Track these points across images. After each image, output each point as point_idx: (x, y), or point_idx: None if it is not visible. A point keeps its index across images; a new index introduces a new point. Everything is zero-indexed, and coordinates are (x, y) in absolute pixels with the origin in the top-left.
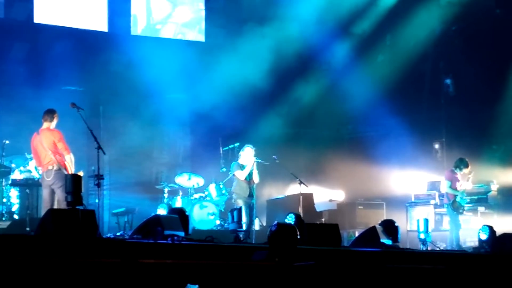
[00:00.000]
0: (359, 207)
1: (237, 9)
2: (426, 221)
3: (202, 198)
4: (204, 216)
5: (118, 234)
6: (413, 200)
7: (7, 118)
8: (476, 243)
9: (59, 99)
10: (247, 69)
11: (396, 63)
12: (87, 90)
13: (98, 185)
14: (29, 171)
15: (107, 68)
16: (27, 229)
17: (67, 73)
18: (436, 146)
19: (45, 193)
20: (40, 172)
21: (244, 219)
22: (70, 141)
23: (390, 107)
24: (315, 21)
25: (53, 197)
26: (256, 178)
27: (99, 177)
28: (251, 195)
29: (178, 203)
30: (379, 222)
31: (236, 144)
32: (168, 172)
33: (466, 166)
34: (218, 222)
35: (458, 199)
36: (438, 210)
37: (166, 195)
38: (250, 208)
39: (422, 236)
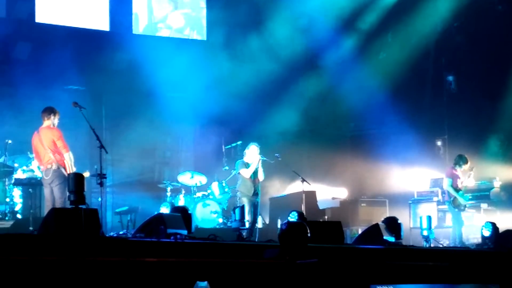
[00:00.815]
0: (362, 204)
1: (239, 6)
2: (429, 218)
3: (205, 197)
4: (207, 215)
5: (121, 233)
6: (416, 197)
7: (9, 118)
8: (479, 240)
9: (61, 98)
10: (248, 67)
11: (398, 60)
12: (89, 89)
13: (101, 184)
14: (32, 171)
15: (109, 67)
16: (30, 228)
17: (69, 72)
18: (439, 143)
19: (46, 192)
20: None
21: (247, 217)
22: (73, 140)
23: (392, 105)
24: (317, 19)
25: (53, 196)
26: (261, 176)
27: (101, 176)
28: (255, 194)
29: (181, 201)
30: (382, 219)
31: (239, 143)
32: (170, 171)
33: (466, 162)
34: (221, 220)
35: (459, 197)
36: (441, 207)
37: (168, 194)
38: (255, 207)
39: (425, 233)
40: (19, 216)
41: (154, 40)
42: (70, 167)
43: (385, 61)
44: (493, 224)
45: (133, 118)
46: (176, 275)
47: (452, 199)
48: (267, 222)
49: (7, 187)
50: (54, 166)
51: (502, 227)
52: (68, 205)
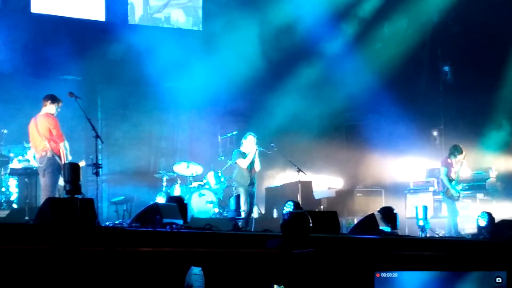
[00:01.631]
0: (358, 194)
1: None
2: (425, 208)
3: (201, 186)
4: (202, 204)
5: (116, 222)
6: (411, 187)
7: (5, 108)
8: (475, 230)
9: (57, 88)
10: (244, 57)
11: (394, 51)
12: (85, 79)
13: (97, 174)
14: (28, 160)
15: (105, 57)
16: (26, 218)
17: (64, 62)
18: (435, 133)
19: (41, 180)
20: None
21: (243, 207)
22: (68, 130)
23: (388, 95)
24: (313, 7)
25: None
26: (257, 167)
27: (97, 165)
28: (252, 183)
29: (177, 191)
30: (378, 209)
31: (235, 132)
32: (166, 161)
33: (461, 152)
34: (216, 210)
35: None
36: (436, 197)
37: (164, 184)
38: (251, 196)
39: (421, 223)
40: (14, 205)
41: (150, 30)
42: (65, 156)
43: (381, 51)
44: (489, 214)
45: (128, 108)
46: (172, 264)
47: (445, 189)
48: (263, 212)
49: (2, 177)
50: (49, 154)
51: (498, 217)
52: (57, 194)
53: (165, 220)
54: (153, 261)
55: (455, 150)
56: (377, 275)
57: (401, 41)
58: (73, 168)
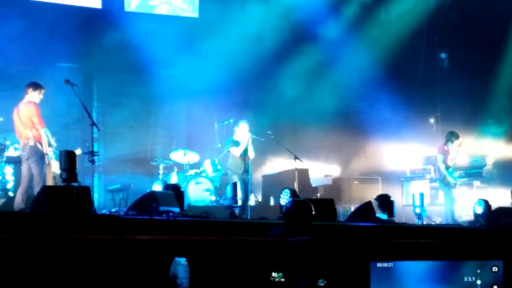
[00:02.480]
0: (355, 182)
1: None
2: (422, 195)
3: (198, 174)
4: (199, 192)
5: (113, 210)
6: (408, 174)
7: (0, 95)
8: (472, 217)
9: (53, 75)
10: (241, 44)
11: (391, 38)
12: (81, 67)
13: (93, 162)
14: None
15: (101, 44)
16: (22, 206)
17: (61, 50)
18: (432, 120)
19: (23, 168)
20: None
21: (239, 194)
22: (64, 117)
23: (385, 82)
24: None
25: (31, 172)
26: (251, 154)
27: (93, 153)
28: (246, 171)
29: (173, 179)
30: (375, 197)
31: (231, 120)
32: (163, 148)
33: (457, 137)
34: (213, 198)
35: (448, 175)
36: (433, 184)
37: (161, 172)
38: (246, 184)
39: (418, 210)
40: (10, 194)
41: (146, 17)
42: (45, 144)
43: (378, 38)
44: (486, 202)
45: (125, 95)
46: (168, 252)
47: (442, 176)
48: (260, 199)
49: None
50: (31, 142)
51: (494, 204)
52: (45, 182)
53: (162, 208)
54: (149, 249)
55: (452, 136)
56: (373, 264)
57: (398, 28)
58: (69, 156)
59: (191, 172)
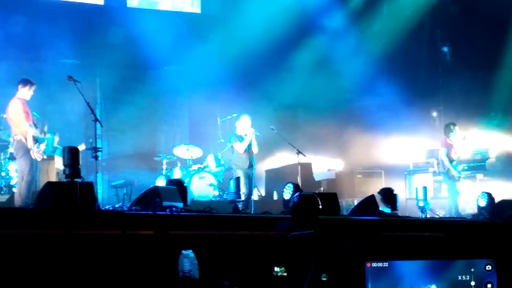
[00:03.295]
0: (358, 176)
1: None
2: (425, 189)
3: (201, 169)
4: (202, 187)
5: (116, 206)
6: (411, 168)
7: (3, 92)
8: (475, 210)
9: (56, 72)
10: (243, 39)
11: (393, 32)
12: (84, 63)
13: (96, 158)
14: None
15: (103, 41)
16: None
17: (63, 46)
18: (434, 114)
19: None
20: None
21: (242, 189)
22: (67, 114)
23: (388, 76)
24: None
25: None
26: (255, 149)
27: (96, 149)
28: (250, 166)
29: (177, 174)
30: (378, 190)
31: (234, 115)
32: (166, 144)
33: (455, 126)
34: (216, 193)
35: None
36: (436, 177)
37: (164, 167)
38: (250, 179)
39: (421, 203)
40: (14, 190)
41: (148, 13)
42: (30, 140)
43: (380, 32)
44: (489, 194)
45: (128, 91)
46: (172, 247)
47: (446, 169)
48: (263, 194)
49: (2, 161)
50: (18, 137)
51: (497, 197)
52: (33, 178)
53: (165, 203)
54: (153, 244)
55: (448, 128)
56: (368, 264)
57: (400, 22)
58: (73, 152)
59: (194, 167)
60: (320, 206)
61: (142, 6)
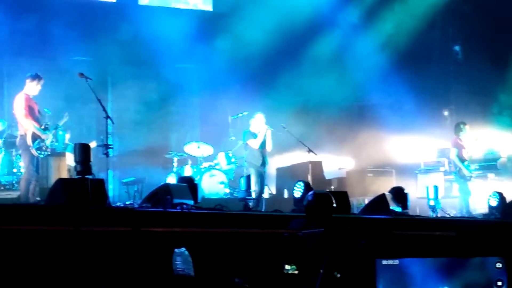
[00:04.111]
0: (369, 174)
1: None
2: (436, 188)
3: (212, 167)
4: (213, 185)
5: (127, 203)
6: (422, 167)
7: (16, 89)
8: (486, 210)
9: (68, 69)
10: (255, 37)
11: (405, 31)
12: (96, 60)
13: (107, 155)
14: None
15: (115, 38)
16: (37, 198)
17: (75, 43)
18: (445, 113)
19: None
20: None
21: (253, 187)
22: (79, 110)
23: (399, 75)
24: None
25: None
26: (269, 147)
27: (107, 146)
28: (263, 164)
29: (187, 172)
30: (389, 189)
31: (245, 113)
32: (177, 141)
33: (465, 125)
34: (227, 190)
35: (463, 168)
36: (447, 177)
37: (175, 164)
38: (262, 177)
39: (432, 203)
40: None
41: (159, 11)
42: (29, 136)
43: (392, 31)
44: (500, 194)
45: (139, 89)
46: (182, 244)
47: (458, 169)
48: (274, 192)
49: (14, 158)
50: (20, 133)
51: (509, 197)
52: (31, 176)
53: (176, 201)
54: (163, 241)
55: (458, 127)
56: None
57: (412, 21)
58: (84, 149)
59: (205, 164)
60: (335, 205)
61: (153, 4)
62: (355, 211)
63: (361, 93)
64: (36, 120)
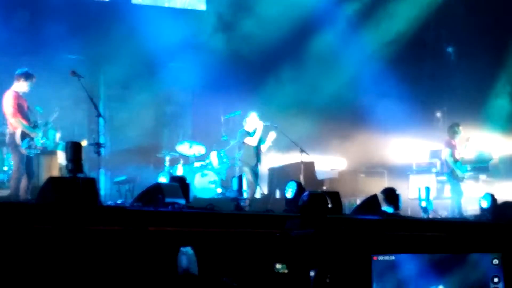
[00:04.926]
0: (361, 175)
1: None
2: (428, 189)
3: (204, 167)
4: (205, 184)
5: (119, 202)
6: (414, 168)
7: (7, 87)
8: (478, 211)
9: (60, 67)
10: (248, 36)
11: (398, 31)
12: (88, 59)
13: (99, 153)
14: None
15: (108, 36)
16: (28, 197)
17: (68, 41)
18: (438, 114)
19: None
20: None
21: (251, 186)
22: (71, 109)
23: (392, 76)
24: None
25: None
26: (265, 147)
27: (99, 145)
28: (257, 163)
29: (179, 171)
30: (381, 190)
31: (238, 112)
32: (169, 141)
33: (459, 127)
34: (219, 190)
35: (456, 169)
36: (439, 178)
37: (167, 164)
38: (256, 176)
39: (424, 204)
40: None
41: (153, 9)
42: (18, 135)
43: (385, 32)
44: (492, 196)
45: (132, 88)
46: (173, 243)
47: (451, 170)
48: (266, 192)
49: (4, 156)
50: (10, 130)
51: (500, 198)
52: (20, 175)
53: (167, 200)
54: (154, 240)
55: (454, 128)
56: (375, 258)
57: (405, 22)
58: (75, 147)
59: (197, 164)
60: (330, 205)
61: (146, 3)
62: (347, 211)
63: (353, 94)
64: (26, 117)
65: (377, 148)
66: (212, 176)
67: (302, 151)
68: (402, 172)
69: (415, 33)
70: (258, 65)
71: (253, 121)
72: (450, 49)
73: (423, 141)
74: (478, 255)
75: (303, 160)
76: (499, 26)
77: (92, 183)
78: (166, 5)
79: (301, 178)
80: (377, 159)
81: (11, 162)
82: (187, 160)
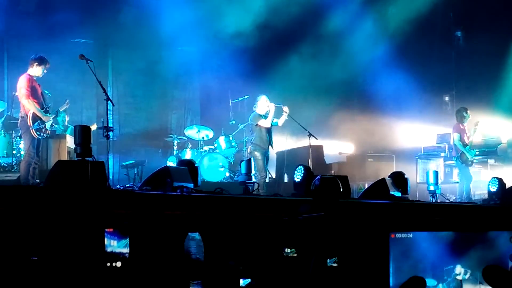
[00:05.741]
0: (369, 159)
1: None
2: (436, 173)
3: (212, 150)
4: (213, 168)
5: (127, 185)
6: (422, 152)
7: (16, 71)
8: (486, 195)
9: (69, 51)
10: (256, 20)
11: (407, 16)
12: (96, 43)
13: (107, 137)
14: None
15: (116, 20)
16: (37, 180)
17: (76, 25)
18: (446, 98)
19: None
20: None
21: (262, 170)
22: (79, 93)
23: (401, 60)
24: None
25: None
26: (281, 121)
27: (108, 128)
28: (269, 146)
29: (188, 155)
30: (389, 174)
31: (246, 97)
32: (177, 125)
33: (466, 111)
34: (227, 174)
35: (465, 152)
36: (448, 162)
37: (175, 148)
38: (266, 160)
39: (432, 188)
40: None
41: None
42: (30, 117)
43: (393, 16)
44: (500, 180)
45: (140, 72)
46: (182, 227)
47: (459, 154)
48: (274, 176)
49: (13, 140)
50: (22, 114)
51: (508, 182)
52: (31, 158)
53: (176, 184)
54: (163, 224)
55: (462, 112)
56: (392, 235)
57: (414, 6)
58: (84, 131)
59: (205, 148)
60: (341, 189)
61: None
62: (355, 196)
63: (362, 78)
64: (38, 101)
65: (385, 132)
66: (220, 160)
67: (310, 135)
68: (411, 156)
69: (424, 17)
70: (267, 49)
71: (264, 104)
72: (458, 33)
73: (431, 125)
74: (496, 233)
75: (312, 144)
76: (508, 9)
77: (101, 167)
78: None
79: (310, 162)
80: (385, 143)
81: (20, 146)
82: (196, 144)
